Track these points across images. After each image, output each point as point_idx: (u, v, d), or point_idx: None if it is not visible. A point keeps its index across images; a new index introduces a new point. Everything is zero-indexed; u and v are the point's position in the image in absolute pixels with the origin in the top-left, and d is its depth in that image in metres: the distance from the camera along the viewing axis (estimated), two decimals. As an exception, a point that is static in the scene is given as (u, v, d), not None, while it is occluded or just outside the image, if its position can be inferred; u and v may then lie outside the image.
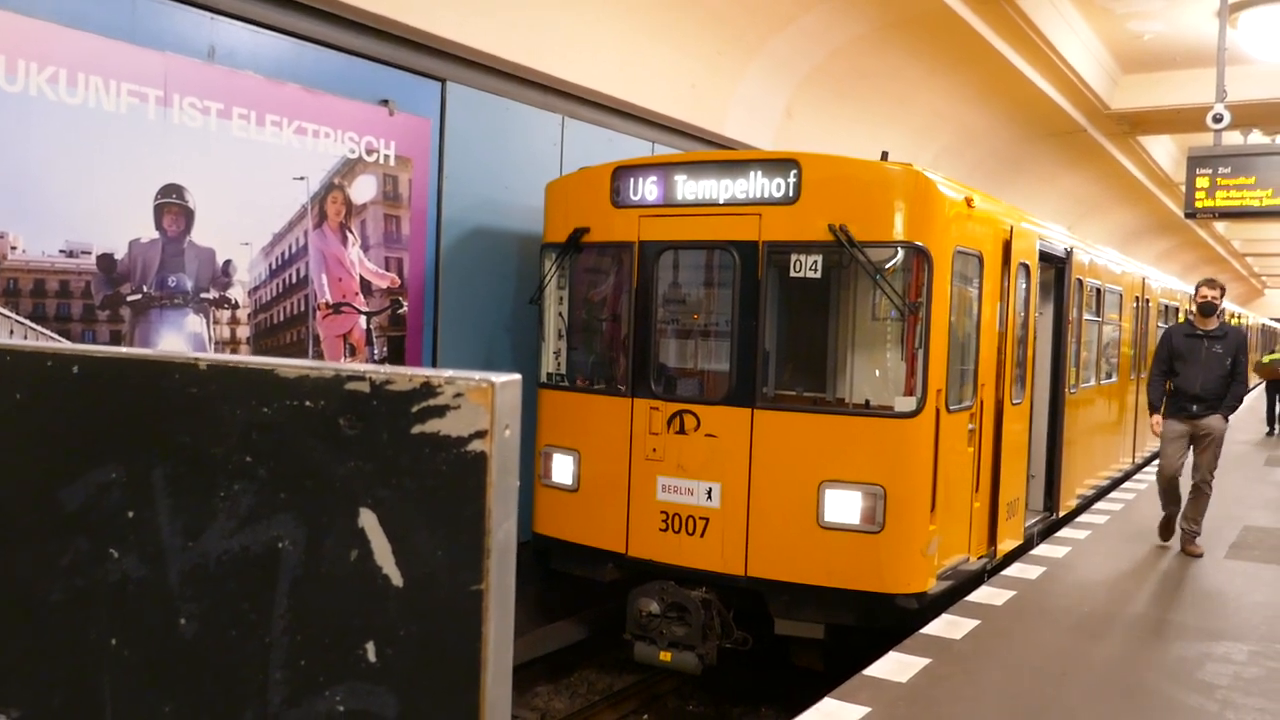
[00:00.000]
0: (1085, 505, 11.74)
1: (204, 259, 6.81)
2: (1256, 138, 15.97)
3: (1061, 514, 10.67)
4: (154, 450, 1.15)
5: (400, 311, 8.24)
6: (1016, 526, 9.36)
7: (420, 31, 8.05)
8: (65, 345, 1.23)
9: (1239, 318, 35.20)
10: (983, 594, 7.74)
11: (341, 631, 1.05)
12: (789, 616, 7.39)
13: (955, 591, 7.65)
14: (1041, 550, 9.34)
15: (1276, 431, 20.87)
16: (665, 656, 7.59)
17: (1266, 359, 20.82)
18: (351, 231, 7.79)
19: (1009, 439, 8.84)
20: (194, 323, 6.78)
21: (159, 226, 6.53)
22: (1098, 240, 16.59)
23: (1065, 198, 21.92)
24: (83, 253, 6.13)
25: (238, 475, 1.10)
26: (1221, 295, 9.38)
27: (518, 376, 1.03)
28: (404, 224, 8.23)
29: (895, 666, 6.03)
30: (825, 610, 7.27)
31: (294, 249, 7.39)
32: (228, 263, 6.96)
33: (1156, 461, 9.55)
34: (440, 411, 1.01)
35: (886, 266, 7.32)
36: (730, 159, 8.12)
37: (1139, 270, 15.81)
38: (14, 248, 5.80)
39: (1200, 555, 9.23)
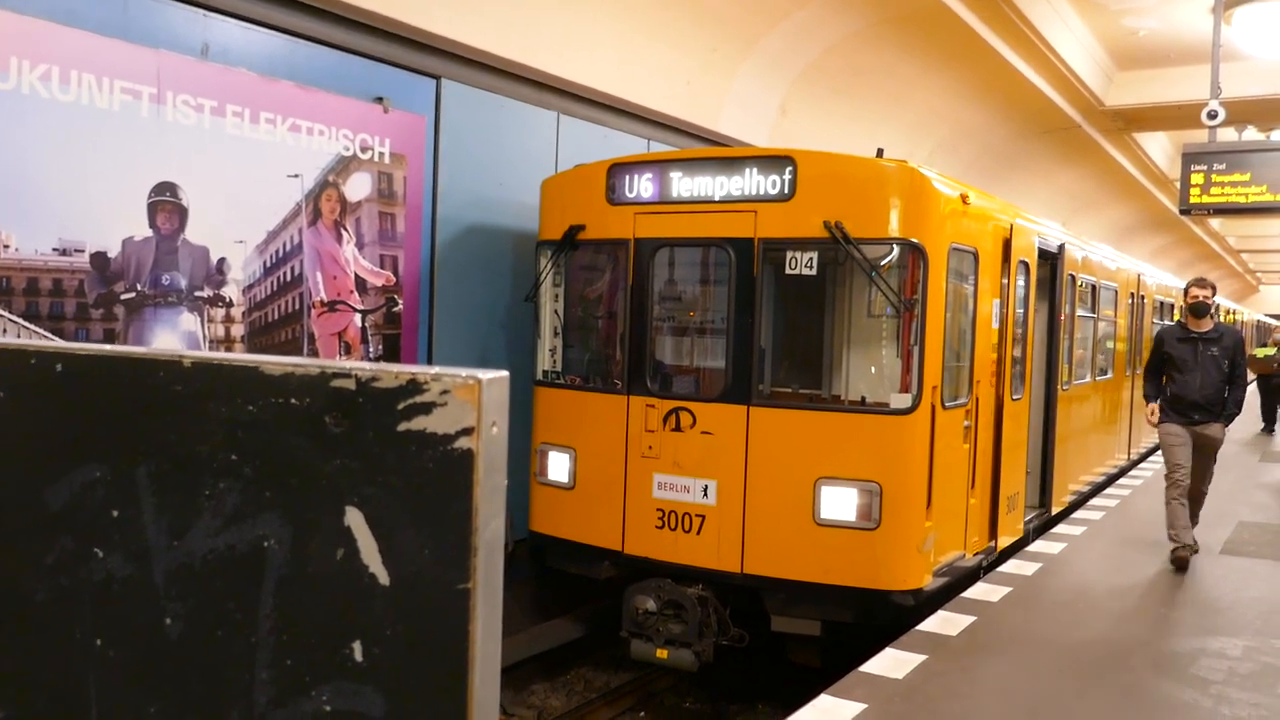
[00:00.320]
0: (1080, 502, 11.73)
1: (198, 257, 6.80)
2: (1251, 134, 16.02)
3: (1055, 511, 10.64)
4: (138, 449, 1.14)
5: (395, 309, 8.23)
6: (1016, 520, 9.41)
7: (415, 28, 8.03)
8: (48, 343, 1.22)
9: (1233, 314, 35.23)
10: (979, 590, 7.74)
11: (328, 631, 1.04)
12: (785, 613, 7.39)
13: (951, 588, 7.65)
14: (1037, 546, 9.34)
15: (1272, 428, 20.85)
16: (662, 654, 7.59)
17: (1260, 353, 20.84)
18: (346, 229, 7.77)
19: (1009, 434, 8.86)
20: (188, 321, 6.77)
21: (153, 224, 6.51)
22: (1093, 236, 16.60)
23: (1060, 194, 21.94)
24: (76, 251, 6.11)
25: (223, 473, 1.09)
26: (1213, 294, 8.94)
27: (505, 373, 1.02)
28: (399, 221, 8.21)
29: (891, 663, 6.03)
30: (821, 607, 7.27)
31: (288, 247, 7.38)
32: (222, 261, 6.94)
33: (1154, 460, 9.32)
34: (427, 409, 1.00)
35: (882, 263, 7.32)
36: (726, 156, 8.11)
37: (1134, 267, 15.81)
38: (7, 246, 5.78)
39: (1195, 550, 8.87)
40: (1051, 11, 12.94)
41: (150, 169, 6.45)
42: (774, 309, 8.17)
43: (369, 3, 7.57)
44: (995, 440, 8.61)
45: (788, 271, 7.57)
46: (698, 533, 7.56)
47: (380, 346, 8.12)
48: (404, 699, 1.01)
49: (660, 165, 7.92)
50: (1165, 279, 19.12)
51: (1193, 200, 12.49)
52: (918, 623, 6.85)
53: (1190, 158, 12.53)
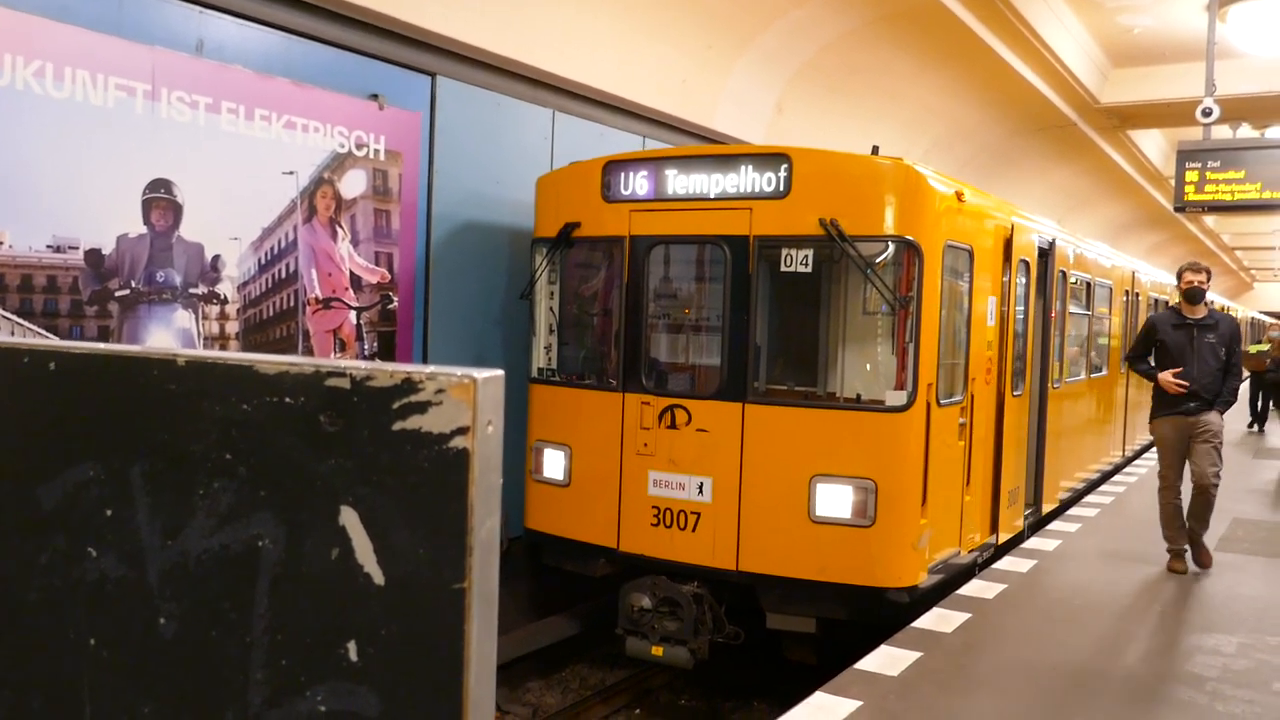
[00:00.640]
0: (1071, 501, 11.64)
1: (193, 254, 6.78)
2: (1246, 131, 16.04)
3: (1046, 510, 10.54)
4: (132, 448, 1.14)
5: (390, 307, 8.21)
6: (1016, 514, 9.46)
7: (410, 25, 8.02)
8: (42, 341, 1.21)
9: (1227, 311, 35.25)
10: (974, 587, 7.75)
11: (323, 631, 1.03)
12: (780, 610, 7.39)
13: (946, 585, 7.66)
14: (1032, 543, 9.35)
15: (1263, 427, 20.86)
16: (657, 651, 7.59)
17: (1253, 349, 20.88)
18: (341, 226, 7.76)
19: (1010, 430, 8.88)
20: (183, 318, 6.75)
21: (147, 221, 6.49)
22: (1088, 234, 16.62)
23: (1055, 192, 21.95)
24: (70, 248, 6.10)
25: (217, 473, 1.09)
26: (1208, 279, 8.53)
27: (500, 372, 1.01)
28: (394, 219, 8.20)
29: (887, 660, 6.04)
30: (817, 604, 7.28)
31: (283, 244, 7.36)
32: (216, 258, 6.92)
33: (1150, 456, 9.17)
34: (422, 408, 0.99)
35: (877, 261, 7.32)
36: (721, 153, 8.11)
37: (1129, 264, 15.83)
38: (1, 243, 5.77)
39: (1210, 564, 8.46)
40: (1047, 9, 12.94)
41: (145, 166, 6.43)
42: (769, 306, 8.16)
43: (364, 0, 7.56)
44: (997, 435, 8.65)
45: (783, 269, 7.57)
46: (693, 530, 7.56)
47: (375, 344, 8.11)
48: (399, 699, 1.00)
49: (656, 163, 7.92)
50: (1160, 276, 19.13)
51: (1187, 198, 12.51)
52: (913, 620, 6.86)
53: (1185, 155, 12.55)
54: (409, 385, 1.00)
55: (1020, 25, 12.45)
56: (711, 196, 7.62)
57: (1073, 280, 11.48)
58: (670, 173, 7.78)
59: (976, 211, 8.21)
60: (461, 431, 0.98)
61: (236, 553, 1.08)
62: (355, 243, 7.88)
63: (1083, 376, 12.37)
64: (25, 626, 1.19)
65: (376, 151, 7.95)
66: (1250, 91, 14.67)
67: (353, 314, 7.91)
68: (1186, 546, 8.40)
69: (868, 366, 8.13)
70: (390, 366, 1.01)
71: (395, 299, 8.24)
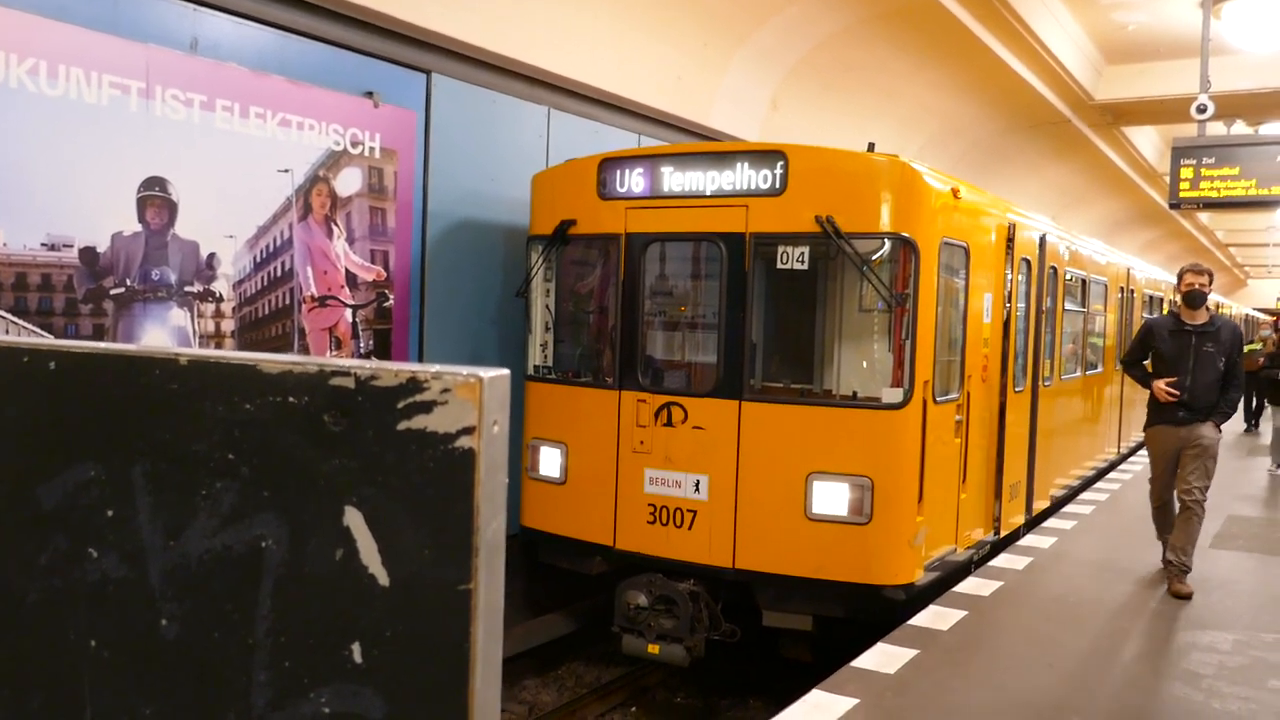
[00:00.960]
0: (1066, 499, 11.51)
1: (188, 252, 6.76)
2: (1240, 128, 16.05)
3: (1037, 510, 10.33)
4: (134, 447, 1.13)
5: (386, 304, 8.20)
6: (1018, 507, 9.50)
7: (405, 23, 8.00)
8: (42, 341, 1.20)
9: (1221, 308, 35.32)
10: (970, 585, 7.75)
11: (326, 632, 1.02)
12: (777, 608, 7.39)
13: (943, 582, 7.66)
14: (1029, 540, 9.36)
15: (1257, 426, 20.87)
16: (653, 649, 7.59)
17: (1247, 349, 20.88)
18: (337, 224, 7.74)
19: (1011, 425, 8.89)
20: (178, 316, 6.73)
21: (142, 219, 6.47)
22: (1083, 231, 16.63)
23: (1050, 188, 21.98)
24: (64, 246, 6.08)
25: (219, 473, 1.08)
26: (1210, 282, 7.95)
27: (506, 371, 1.01)
28: (389, 216, 8.18)
29: (883, 658, 6.04)
30: (813, 602, 7.27)
31: (279, 242, 7.34)
32: (212, 256, 6.91)
33: (1145, 453, 8.64)
34: (427, 407, 0.99)
35: (873, 258, 7.32)
36: (717, 151, 8.10)
37: (1124, 261, 15.85)
38: (-6, 241, 5.75)
39: (1189, 596, 7.61)
40: (1041, 6, 12.95)
41: (139, 164, 6.41)
42: (765, 304, 8.16)
43: (359, -3, 7.55)
44: (999, 431, 8.70)
45: (779, 266, 7.56)
46: (689, 528, 7.56)
47: (371, 342, 8.09)
48: (404, 701, 1.00)
49: (651, 160, 7.91)
50: (1155, 273, 19.16)
51: (1182, 194, 12.52)
52: (909, 617, 6.86)
53: (1180, 152, 12.56)
54: (414, 384, 0.99)
55: (1015, 22, 12.46)
56: (707, 194, 7.62)
57: (1067, 277, 11.48)
58: (666, 170, 7.77)
59: (972, 208, 8.21)
60: (467, 431, 0.97)
61: (239, 553, 1.07)
62: (351, 241, 7.87)
63: (1077, 374, 12.37)
64: (25, 627, 1.18)
65: (372, 149, 7.93)
66: (1245, 88, 14.69)
67: (348, 312, 7.89)
68: (1174, 558, 7.85)
69: (864, 364, 8.13)
70: (395, 366, 1.00)
71: (391, 297, 8.23)
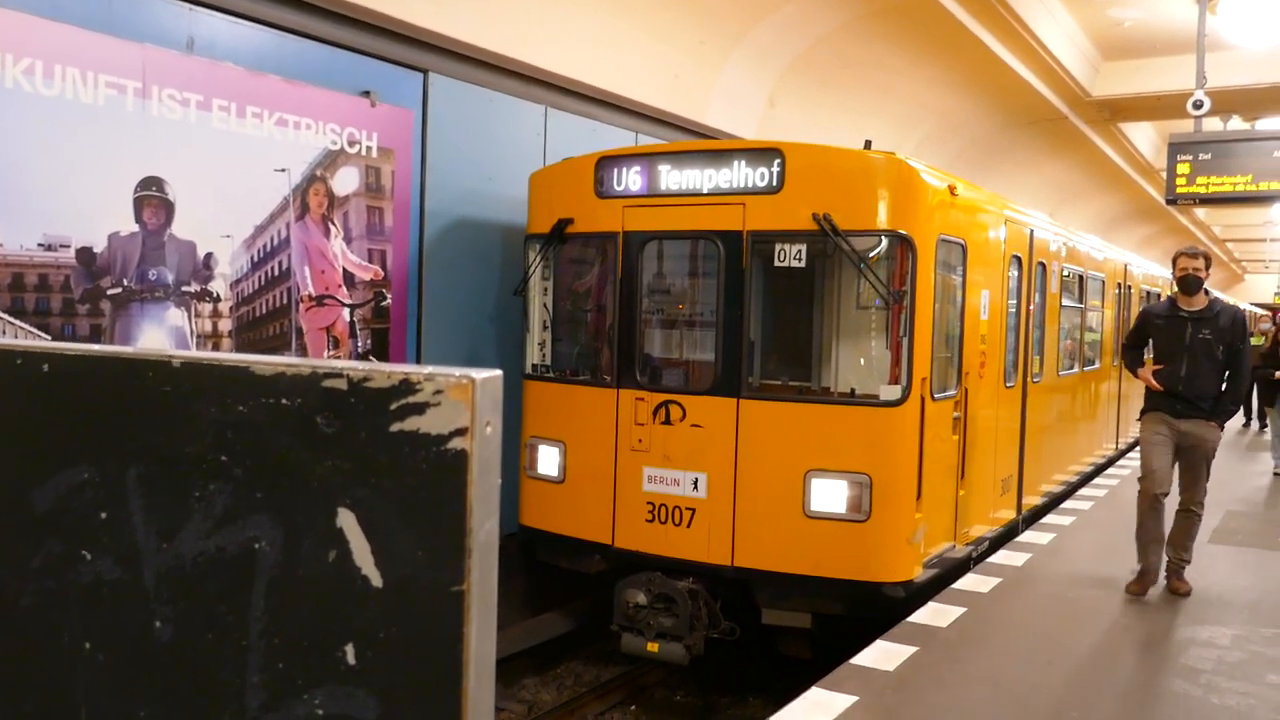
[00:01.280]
0: (1057, 500, 11.34)
1: (185, 252, 6.76)
2: (1236, 123, 16.05)
3: (1026, 511, 10.17)
4: (127, 450, 1.13)
5: (384, 304, 8.20)
6: (1010, 501, 9.49)
7: (402, 22, 8.00)
8: (35, 343, 1.20)
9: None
10: (969, 581, 7.76)
11: (320, 634, 1.02)
12: (776, 606, 7.40)
13: (941, 579, 7.66)
14: (1027, 537, 9.37)
15: (1255, 424, 20.79)
16: (652, 647, 7.59)
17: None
18: (334, 223, 7.74)
19: (1001, 421, 8.87)
20: (175, 316, 6.73)
21: (139, 219, 6.47)
22: (1080, 227, 16.63)
23: (1047, 185, 21.99)
24: (61, 246, 6.07)
25: (213, 475, 1.08)
26: (1207, 267, 7.39)
27: (499, 372, 1.01)
28: (387, 216, 8.18)
29: (882, 655, 6.04)
30: (812, 599, 7.28)
31: (276, 241, 7.34)
32: (209, 255, 6.90)
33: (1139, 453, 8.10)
34: (420, 409, 0.99)
35: (870, 255, 7.32)
36: (714, 149, 8.10)
37: (1121, 256, 15.85)
38: (-9, 242, 5.74)
39: (1188, 593, 7.40)
40: (1037, 3, 12.96)
41: (136, 164, 6.40)
42: (763, 301, 8.16)
43: (355, -4, 7.54)
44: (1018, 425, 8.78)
45: (776, 264, 7.56)
46: (688, 526, 7.56)
47: (368, 341, 8.09)
48: (398, 702, 1.00)
49: (648, 158, 7.91)
50: (1152, 268, 19.16)
51: (1179, 190, 12.53)
52: (908, 614, 6.86)
53: (1176, 148, 12.57)
54: (407, 386, 0.99)
55: (1011, 19, 12.46)
56: (704, 192, 7.62)
57: (1064, 273, 11.47)
58: (663, 168, 7.77)
59: (969, 205, 8.21)
60: (460, 433, 0.97)
61: (233, 555, 1.07)
62: (348, 240, 7.86)
63: (1073, 369, 12.36)
64: (19, 630, 1.18)
65: (369, 148, 7.93)
66: (1241, 84, 14.69)
67: (346, 311, 7.89)
68: (1154, 565, 7.50)
69: (862, 361, 8.14)
70: (388, 367, 1.00)
71: (388, 296, 8.23)
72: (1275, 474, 13.63)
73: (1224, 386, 7.31)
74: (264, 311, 7.30)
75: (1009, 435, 9.49)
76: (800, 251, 7.45)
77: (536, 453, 8.37)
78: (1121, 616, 7.09)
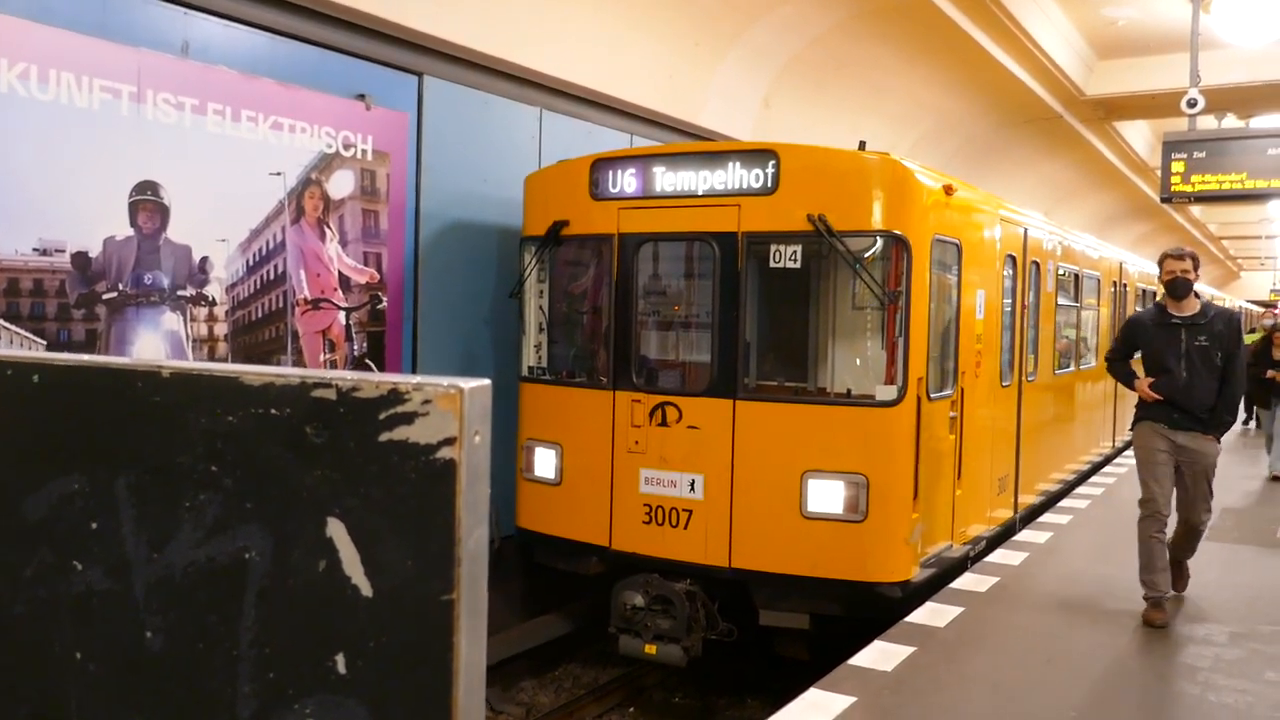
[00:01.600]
0: (1054, 499, 11.33)
1: (180, 256, 6.76)
2: (1231, 121, 16.07)
3: (1022, 510, 10.15)
4: (117, 460, 1.13)
5: (380, 307, 8.20)
6: (1007, 501, 9.50)
7: (396, 25, 7.99)
8: (25, 354, 1.20)
9: (1214, 300, 35.32)
10: (966, 581, 7.76)
11: (310, 643, 1.03)
12: (773, 607, 7.40)
13: (939, 579, 7.67)
14: (1024, 536, 9.37)
15: (1254, 424, 20.72)
16: (650, 649, 7.59)
17: (1247, 339, 20.80)
18: (329, 227, 7.74)
19: (998, 420, 8.88)
20: (171, 320, 6.73)
21: (134, 224, 6.46)
22: (1076, 226, 16.66)
23: (1043, 184, 22.00)
24: (56, 251, 6.07)
25: (203, 485, 1.08)
26: (1195, 268, 6.89)
27: (487, 382, 1.01)
28: (382, 219, 8.18)
29: (880, 655, 6.04)
30: (809, 600, 7.28)
31: (271, 245, 7.34)
32: (204, 259, 6.90)
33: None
34: (408, 418, 0.99)
35: (865, 256, 7.33)
36: (709, 150, 8.11)
37: (1116, 255, 15.87)
38: (-15, 248, 5.74)
39: (1182, 589, 7.30)
40: (1031, 2, 12.97)
41: (131, 168, 6.40)
42: (759, 302, 8.17)
43: (350, 0, 7.54)
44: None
45: (772, 265, 7.57)
46: (685, 527, 7.56)
47: (364, 344, 8.09)
48: (388, 711, 1.00)
49: (643, 160, 7.91)
50: (1148, 267, 19.17)
51: (1174, 189, 12.54)
52: (906, 615, 6.87)
53: (1170, 146, 12.57)
54: (395, 396, 0.99)
55: (1005, 19, 12.47)
56: (700, 193, 7.62)
57: (1060, 272, 11.49)
58: (658, 170, 7.78)
59: (964, 205, 8.22)
60: (448, 442, 0.97)
61: (223, 565, 1.07)
62: (344, 243, 7.86)
63: (1070, 368, 12.38)
64: (10, 640, 1.18)
65: (364, 152, 7.93)
66: (1235, 82, 14.71)
67: (342, 314, 7.89)
68: (1169, 592, 7.05)
69: (858, 361, 8.14)
70: (376, 377, 1.01)
71: (384, 299, 8.22)
72: (1272, 477, 13.44)
73: (1219, 396, 6.81)
74: (259, 315, 7.30)
75: (1005, 435, 9.51)
76: (795, 252, 7.45)
77: (533, 455, 8.37)
78: (1118, 614, 7.09)
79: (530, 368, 8.59)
